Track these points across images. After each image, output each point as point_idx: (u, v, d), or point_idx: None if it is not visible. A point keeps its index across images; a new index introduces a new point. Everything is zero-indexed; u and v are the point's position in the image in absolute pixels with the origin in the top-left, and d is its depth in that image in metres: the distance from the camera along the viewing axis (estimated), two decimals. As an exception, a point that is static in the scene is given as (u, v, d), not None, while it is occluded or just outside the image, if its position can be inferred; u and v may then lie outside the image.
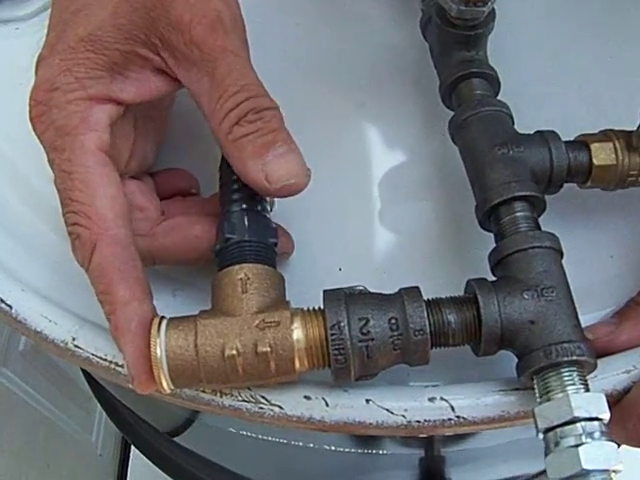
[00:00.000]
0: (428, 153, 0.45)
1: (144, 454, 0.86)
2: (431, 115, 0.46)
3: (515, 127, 0.40)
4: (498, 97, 0.42)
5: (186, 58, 0.37)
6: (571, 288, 0.36)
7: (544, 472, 0.58)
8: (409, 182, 0.45)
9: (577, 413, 0.33)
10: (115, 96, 0.37)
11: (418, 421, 0.36)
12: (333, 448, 0.54)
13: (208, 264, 0.40)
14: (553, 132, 0.40)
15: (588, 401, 0.33)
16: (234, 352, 0.34)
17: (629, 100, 0.46)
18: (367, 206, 0.44)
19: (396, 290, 0.37)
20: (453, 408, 0.36)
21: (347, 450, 0.53)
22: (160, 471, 0.86)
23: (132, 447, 1.33)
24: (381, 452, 0.52)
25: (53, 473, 1.19)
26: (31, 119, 0.37)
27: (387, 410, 0.36)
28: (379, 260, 0.43)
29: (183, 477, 0.82)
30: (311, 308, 0.36)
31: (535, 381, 0.35)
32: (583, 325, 0.36)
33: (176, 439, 0.77)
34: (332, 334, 0.34)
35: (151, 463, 0.87)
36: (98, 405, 1.00)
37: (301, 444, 0.53)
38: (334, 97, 0.47)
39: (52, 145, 0.36)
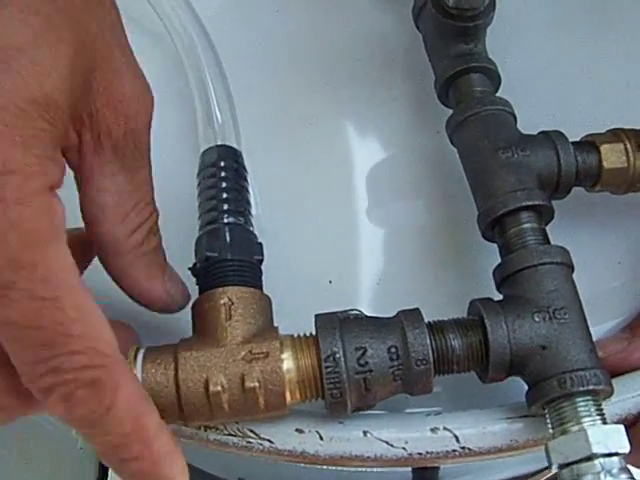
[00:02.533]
0: (422, 153, 0.42)
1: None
2: (424, 110, 0.42)
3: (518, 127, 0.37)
4: (498, 93, 0.39)
5: (114, 148, 0.30)
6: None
7: (541, 471, 0.56)
8: (401, 185, 0.42)
9: (595, 449, 0.30)
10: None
11: (420, 453, 0.34)
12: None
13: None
14: (559, 133, 0.37)
15: (607, 435, 0.30)
16: (219, 388, 0.31)
17: (637, 91, 0.42)
18: (356, 212, 0.41)
19: (392, 301, 0.34)
20: (457, 438, 0.34)
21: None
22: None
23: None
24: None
25: (32, 468, 1.15)
26: None
27: (386, 442, 0.34)
28: (372, 270, 0.40)
29: None
30: (302, 335, 0.33)
31: (547, 411, 0.32)
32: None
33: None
34: (327, 367, 0.31)
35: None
36: None
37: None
38: (317, 92, 0.43)
39: (13, 261, 0.25)
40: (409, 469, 0.52)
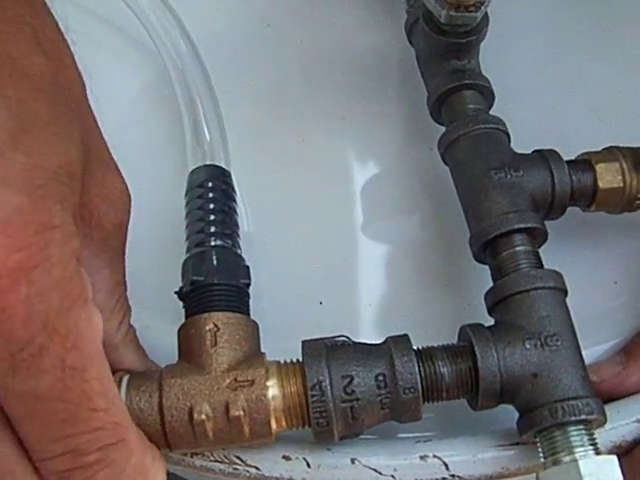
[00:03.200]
0: (415, 169, 0.41)
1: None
2: (418, 126, 0.41)
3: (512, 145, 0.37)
4: (491, 110, 0.38)
5: (103, 241, 0.29)
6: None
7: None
8: (394, 202, 0.41)
9: (586, 481, 0.29)
10: None
11: (409, 481, 0.33)
12: None
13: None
14: (554, 152, 0.36)
15: (599, 467, 0.30)
16: (203, 417, 0.31)
17: (632, 108, 0.42)
18: (348, 230, 0.40)
19: (383, 323, 0.34)
20: (447, 466, 0.33)
21: None
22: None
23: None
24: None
25: None
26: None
27: (375, 470, 0.33)
28: (363, 291, 0.39)
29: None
30: (289, 361, 0.32)
31: (539, 440, 0.31)
32: (586, 362, 0.32)
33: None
34: (312, 395, 0.31)
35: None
36: None
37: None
38: (309, 107, 0.42)
39: (50, 324, 0.23)
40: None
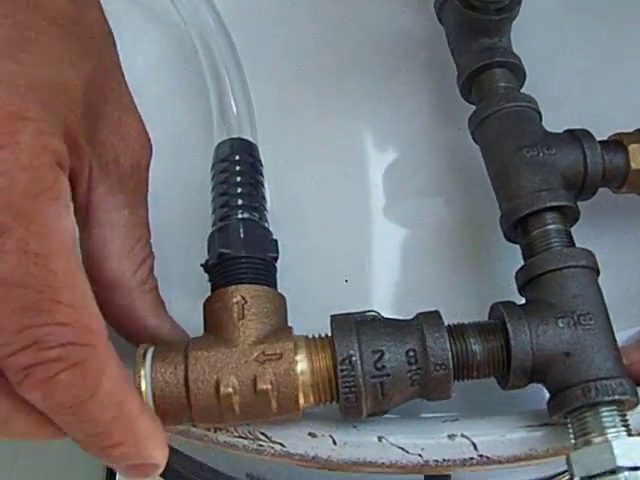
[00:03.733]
0: (442, 149, 0.40)
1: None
2: (445, 106, 0.41)
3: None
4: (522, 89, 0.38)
5: (120, 179, 0.30)
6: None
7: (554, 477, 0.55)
8: (420, 183, 0.40)
9: (620, 462, 0.29)
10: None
11: (436, 460, 0.32)
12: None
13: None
14: (586, 131, 0.36)
15: (632, 447, 0.29)
16: (230, 390, 0.30)
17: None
18: (374, 210, 0.39)
19: (409, 302, 0.33)
20: (475, 446, 0.32)
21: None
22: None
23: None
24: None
25: (44, 460, 1.15)
26: None
27: (402, 449, 0.32)
28: (388, 269, 0.38)
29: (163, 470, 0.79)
30: (317, 336, 0.32)
31: (570, 420, 0.31)
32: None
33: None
34: (342, 370, 0.30)
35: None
36: None
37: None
38: (335, 86, 0.42)
39: (14, 205, 0.24)
40: (421, 476, 0.52)
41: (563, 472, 0.62)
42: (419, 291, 0.38)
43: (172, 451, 0.74)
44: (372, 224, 0.39)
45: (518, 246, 0.35)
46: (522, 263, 0.34)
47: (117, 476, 1.34)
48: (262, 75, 0.38)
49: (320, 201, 0.39)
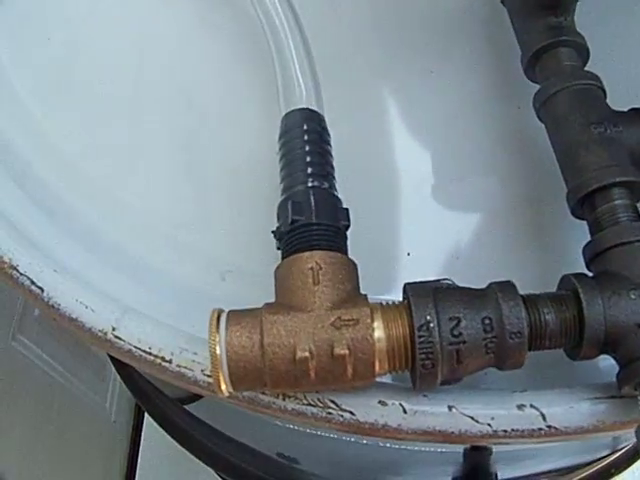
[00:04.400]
0: (501, 127, 0.41)
1: (157, 422, 0.83)
2: (504, 85, 0.41)
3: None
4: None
5: None
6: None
7: (590, 463, 0.55)
8: (480, 158, 0.40)
9: (695, 431, 0.29)
10: None
11: (505, 430, 0.33)
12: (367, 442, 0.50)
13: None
14: (652, 110, 0.36)
15: None
16: (307, 354, 0.30)
17: None
18: (434, 183, 0.39)
19: (470, 277, 0.33)
20: (544, 417, 0.33)
21: (383, 445, 0.50)
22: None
23: (146, 414, 1.31)
24: (425, 448, 0.49)
25: (67, 440, 1.16)
26: None
27: (472, 418, 0.33)
28: (450, 243, 0.38)
29: (194, 447, 0.79)
30: (391, 303, 0.32)
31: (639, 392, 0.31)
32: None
33: (189, 408, 0.73)
34: (420, 336, 0.30)
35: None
36: (113, 371, 0.97)
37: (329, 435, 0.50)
38: (396, 62, 0.42)
39: None
40: (460, 452, 0.52)
41: (600, 459, 0.63)
42: (479, 266, 0.38)
43: (205, 428, 0.74)
44: (433, 200, 0.39)
45: (577, 224, 0.35)
46: (583, 240, 0.34)
47: (137, 473, 1.35)
48: (323, 51, 0.38)
49: (380, 175, 0.39)
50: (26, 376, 1.05)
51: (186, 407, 0.72)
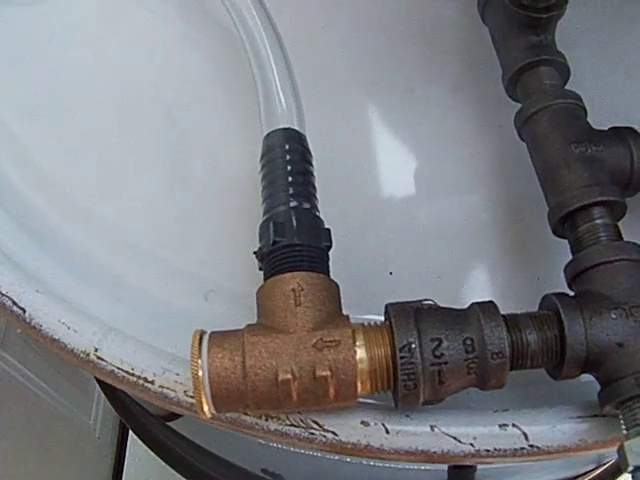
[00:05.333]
0: (483, 145, 0.41)
1: (141, 439, 0.83)
2: (486, 103, 0.41)
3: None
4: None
5: None
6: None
7: (575, 478, 0.55)
8: (462, 177, 0.40)
9: (676, 451, 0.29)
10: None
11: (488, 450, 0.33)
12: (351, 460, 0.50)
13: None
14: (631, 129, 0.36)
15: (687, 437, 0.30)
16: (289, 376, 0.30)
17: None
18: (417, 203, 0.40)
19: (452, 296, 0.33)
20: (526, 436, 0.33)
21: (367, 462, 0.50)
22: (157, 455, 0.83)
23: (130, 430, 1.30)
24: (409, 466, 0.49)
25: (52, 456, 1.15)
26: None
27: (454, 438, 0.33)
28: (432, 262, 0.39)
29: (178, 464, 0.78)
30: (373, 323, 0.32)
31: (621, 411, 0.31)
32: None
33: (172, 425, 0.73)
34: (402, 357, 0.30)
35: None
36: (97, 388, 0.96)
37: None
38: (378, 82, 0.42)
39: None
40: (444, 470, 0.52)
41: (584, 473, 0.63)
42: (463, 283, 0.38)
43: (189, 445, 0.74)
44: (415, 217, 0.39)
45: (559, 242, 0.35)
46: (565, 258, 0.34)
47: (124, 476, 1.34)
48: (303, 68, 0.38)
49: (362, 193, 0.39)
50: (10, 393, 1.05)
51: (170, 424, 0.72)
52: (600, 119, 0.37)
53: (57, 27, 0.44)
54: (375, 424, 0.33)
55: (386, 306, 0.32)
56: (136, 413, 0.79)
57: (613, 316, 0.32)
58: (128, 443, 1.38)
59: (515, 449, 0.33)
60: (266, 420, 0.33)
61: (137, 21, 0.45)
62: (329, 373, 0.30)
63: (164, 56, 0.43)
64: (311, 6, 0.43)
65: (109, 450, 1.39)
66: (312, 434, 0.33)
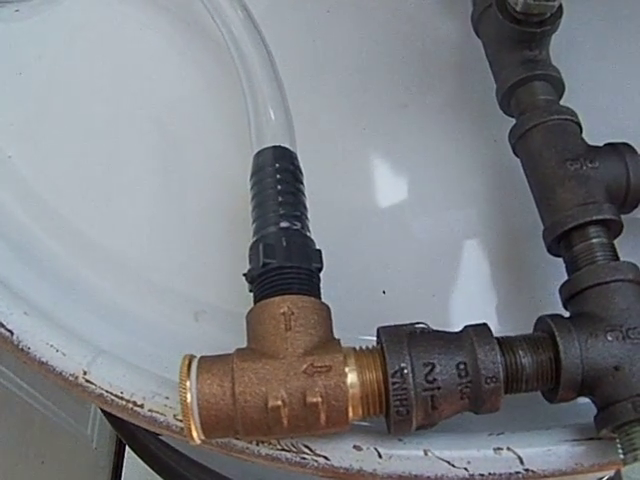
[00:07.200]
0: (477, 161, 0.40)
1: (137, 453, 0.82)
2: (480, 118, 0.41)
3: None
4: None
5: None
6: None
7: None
8: (457, 194, 0.40)
9: (674, 477, 0.29)
10: None
11: (482, 474, 0.32)
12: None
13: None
14: (627, 145, 0.36)
15: (684, 463, 0.29)
16: (279, 403, 0.30)
17: None
18: (411, 221, 0.39)
19: (447, 314, 0.33)
20: (522, 460, 0.32)
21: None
22: (154, 466, 0.83)
23: (126, 442, 1.30)
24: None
25: (48, 467, 1.15)
26: None
27: (448, 462, 0.32)
28: (427, 281, 0.38)
29: (172, 476, 0.78)
30: (364, 348, 0.31)
31: (618, 435, 0.31)
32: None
33: (165, 439, 0.73)
34: (394, 382, 0.30)
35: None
36: None
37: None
38: (371, 96, 0.42)
39: None
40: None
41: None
42: (458, 301, 0.37)
43: (182, 458, 0.73)
44: (408, 236, 0.39)
45: (554, 260, 0.35)
46: (560, 277, 0.34)
47: (122, 476, 1.34)
48: (296, 85, 0.37)
49: (356, 213, 0.39)
50: (6, 404, 1.04)
51: (164, 438, 0.71)
52: (596, 134, 0.36)
53: (46, 42, 0.43)
54: (368, 448, 0.32)
55: (378, 330, 0.32)
56: (131, 427, 0.79)
57: (609, 338, 0.31)
58: (125, 454, 1.37)
59: (510, 473, 0.32)
60: (257, 445, 0.33)
61: (128, 36, 0.44)
62: (320, 399, 0.30)
63: (156, 72, 0.43)
64: (304, 21, 0.43)
65: (106, 461, 1.39)
66: (304, 459, 0.32)
